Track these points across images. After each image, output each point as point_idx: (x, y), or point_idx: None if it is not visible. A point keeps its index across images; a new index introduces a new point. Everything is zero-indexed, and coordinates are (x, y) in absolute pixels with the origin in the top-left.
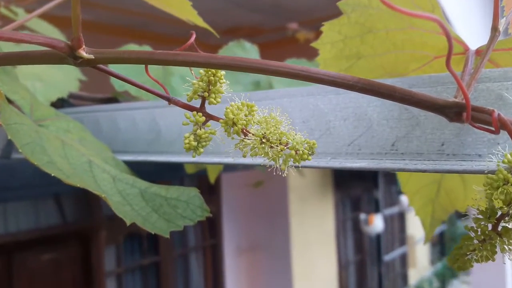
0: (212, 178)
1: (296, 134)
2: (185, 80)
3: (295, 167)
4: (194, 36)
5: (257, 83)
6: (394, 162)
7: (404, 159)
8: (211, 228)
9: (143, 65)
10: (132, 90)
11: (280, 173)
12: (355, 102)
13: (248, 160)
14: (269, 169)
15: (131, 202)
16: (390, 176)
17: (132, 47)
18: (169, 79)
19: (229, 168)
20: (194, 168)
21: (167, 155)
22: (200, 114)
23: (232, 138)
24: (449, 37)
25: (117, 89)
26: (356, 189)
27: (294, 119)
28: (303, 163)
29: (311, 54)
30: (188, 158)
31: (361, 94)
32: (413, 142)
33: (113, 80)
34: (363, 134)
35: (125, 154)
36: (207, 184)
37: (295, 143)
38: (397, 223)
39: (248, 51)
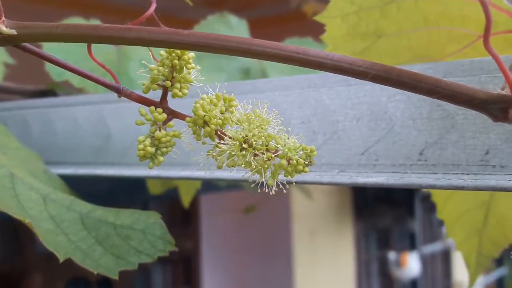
0: (186, 201)
1: (288, 138)
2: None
3: (288, 182)
4: (154, 5)
5: (246, 71)
6: (422, 176)
7: (435, 173)
8: (185, 271)
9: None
10: (75, 80)
11: (270, 191)
12: (371, 96)
13: (224, 174)
14: (263, 190)
15: (67, 230)
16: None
17: (76, 20)
18: (125, 66)
19: (209, 187)
20: (160, 186)
21: (119, 168)
22: (160, 110)
23: (203, 143)
24: (484, 4)
25: (55, 78)
26: (384, 218)
27: (290, 119)
28: (299, 177)
29: (318, 32)
30: (147, 171)
31: (379, 86)
32: (448, 150)
33: (48, 66)
34: (382, 139)
35: (62, 165)
36: (180, 211)
37: (286, 150)
38: (440, 264)
39: (234, 28)
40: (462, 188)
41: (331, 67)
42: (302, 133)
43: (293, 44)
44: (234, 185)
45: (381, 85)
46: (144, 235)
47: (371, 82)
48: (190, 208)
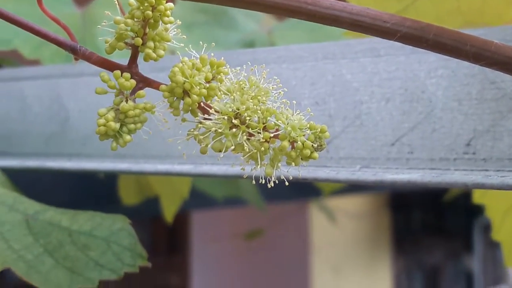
0: (169, 215)
1: (293, 114)
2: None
3: (293, 176)
4: None
5: (250, 44)
6: (468, 173)
7: (486, 169)
8: None
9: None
10: (26, 48)
11: (268, 183)
12: (405, 70)
13: (214, 168)
14: (272, 206)
15: (7, 235)
16: None
17: None
18: (92, 33)
19: (201, 201)
20: (135, 194)
21: (79, 160)
22: (128, 75)
23: (183, 120)
24: None
25: (0, 47)
26: (433, 253)
27: (300, 99)
28: (308, 172)
29: None
30: (115, 163)
31: (416, 57)
32: (503, 141)
33: None
34: (418, 125)
35: (5, 157)
36: (165, 234)
37: (289, 129)
38: None
39: None
40: None
41: (349, 22)
42: (316, 117)
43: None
44: (234, 199)
45: (418, 57)
46: (107, 244)
47: (405, 53)
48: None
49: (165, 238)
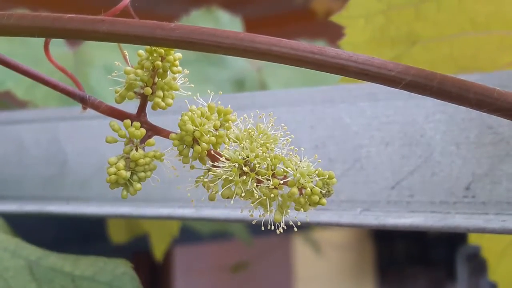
0: (159, 253)
1: (301, 161)
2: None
3: (300, 221)
4: None
5: (240, 82)
6: (469, 217)
7: (486, 213)
8: None
9: (39, 51)
10: (20, 90)
11: (275, 229)
12: (404, 114)
13: (216, 212)
14: (260, 238)
15: (11, 282)
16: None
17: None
18: (85, 73)
19: (186, 236)
20: (125, 233)
21: (77, 204)
22: (138, 124)
23: (192, 167)
24: None
25: None
26: (417, 283)
27: (300, 142)
28: (312, 216)
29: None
30: (115, 208)
31: (414, 102)
32: (502, 184)
33: None
34: (418, 169)
35: (2, 201)
36: (147, 267)
37: (298, 175)
38: None
39: (225, 26)
40: None
41: (355, 71)
42: (314, 162)
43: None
44: (219, 233)
45: (416, 101)
46: None
47: (403, 98)
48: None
49: (146, 270)
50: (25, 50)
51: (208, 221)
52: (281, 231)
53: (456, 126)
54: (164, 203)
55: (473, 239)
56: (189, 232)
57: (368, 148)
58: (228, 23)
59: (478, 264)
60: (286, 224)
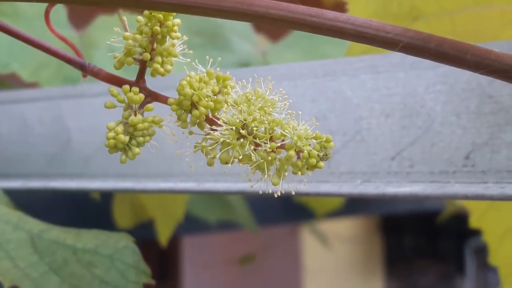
0: (163, 237)
1: (299, 125)
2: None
3: (295, 190)
4: None
5: (245, 65)
6: (468, 185)
7: (485, 181)
8: None
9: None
10: (25, 71)
11: (274, 194)
12: (404, 86)
13: (217, 185)
14: (267, 230)
15: (13, 254)
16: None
17: None
18: (90, 55)
19: (193, 226)
20: (130, 218)
21: (80, 180)
22: (136, 89)
23: (190, 133)
24: None
25: None
26: (425, 276)
27: (301, 114)
28: (309, 187)
29: None
30: (117, 183)
31: (414, 74)
32: (501, 153)
33: None
34: (418, 139)
35: (7, 178)
36: (155, 260)
37: (296, 138)
38: None
39: None
40: None
41: (353, 33)
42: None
43: (307, 35)
44: (227, 223)
45: (417, 73)
46: (111, 262)
47: (404, 70)
48: (169, 256)
49: (154, 263)
50: (29, 30)
51: (210, 194)
52: (279, 194)
53: (457, 96)
54: (166, 178)
55: (475, 223)
56: (196, 222)
57: (368, 120)
58: None
59: (486, 258)
60: (293, 213)
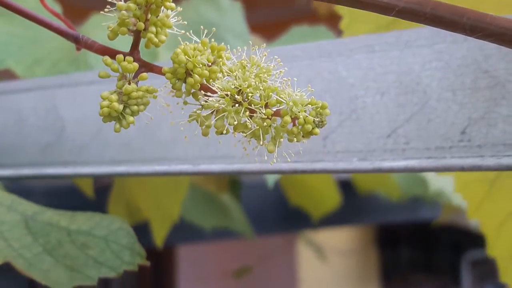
0: (159, 238)
1: (294, 92)
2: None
3: (294, 154)
4: None
5: None
6: (464, 158)
7: (481, 155)
8: None
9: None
10: (20, 66)
11: (270, 160)
12: (400, 64)
13: (213, 167)
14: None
15: (7, 234)
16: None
17: None
18: (84, 52)
19: (189, 234)
20: (125, 218)
21: (74, 166)
22: (131, 59)
23: (185, 103)
24: None
25: None
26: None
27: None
28: (305, 165)
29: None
30: (111, 167)
31: (410, 51)
32: (497, 127)
33: None
34: (414, 116)
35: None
36: (149, 272)
37: (291, 104)
38: None
39: (226, 11)
40: None
41: None
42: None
43: (303, 34)
44: (222, 231)
45: (412, 50)
46: (106, 243)
47: (399, 48)
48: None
49: (151, 276)
50: (25, 31)
51: (205, 175)
52: (275, 161)
53: (452, 73)
54: (161, 162)
55: (471, 214)
56: (192, 230)
57: (364, 99)
58: (228, 7)
59: (483, 270)
60: (289, 221)
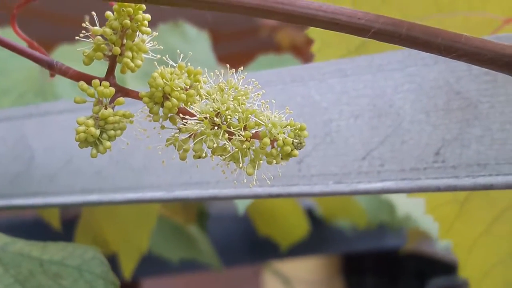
0: (127, 270)
1: (272, 114)
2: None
3: (272, 174)
4: None
5: None
6: (439, 179)
7: (456, 176)
8: None
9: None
10: None
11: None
12: (373, 87)
13: (186, 192)
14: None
15: None
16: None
17: None
18: (51, 83)
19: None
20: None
21: (44, 196)
22: (107, 83)
23: (162, 127)
24: None
25: None
26: None
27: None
28: (281, 189)
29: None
30: (82, 196)
31: (382, 75)
32: (471, 147)
33: None
34: (387, 138)
35: None
36: None
37: (270, 126)
38: None
39: (192, 40)
40: (491, 187)
41: (325, 20)
42: None
43: (269, 62)
44: (189, 263)
45: (384, 74)
46: (79, 273)
47: (372, 72)
48: None
49: None
50: None
51: (180, 201)
52: (254, 184)
53: (425, 95)
54: (134, 190)
55: (443, 235)
56: (159, 263)
57: (338, 122)
58: (195, 37)
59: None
60: (257, 252)
